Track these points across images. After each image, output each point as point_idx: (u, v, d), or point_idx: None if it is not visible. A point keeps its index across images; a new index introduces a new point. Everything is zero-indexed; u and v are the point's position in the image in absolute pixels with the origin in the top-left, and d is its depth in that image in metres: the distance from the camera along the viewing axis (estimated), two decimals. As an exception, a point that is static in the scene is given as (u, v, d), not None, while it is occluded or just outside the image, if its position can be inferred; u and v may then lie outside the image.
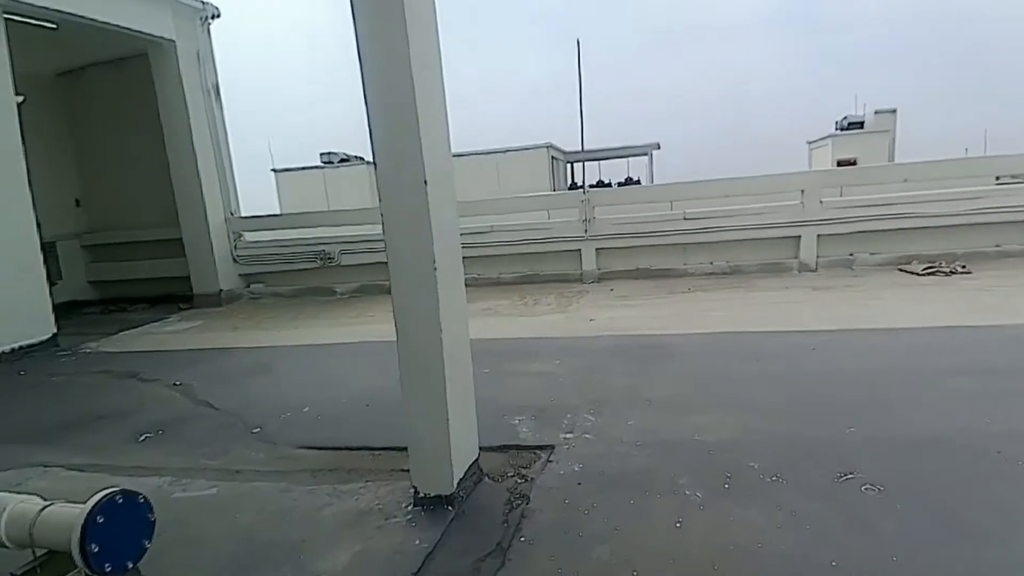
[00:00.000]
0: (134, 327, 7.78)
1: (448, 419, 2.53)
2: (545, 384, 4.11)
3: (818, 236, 7.52)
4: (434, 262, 2.41)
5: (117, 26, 7.69)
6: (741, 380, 3.91)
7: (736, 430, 3.14)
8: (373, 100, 2.41)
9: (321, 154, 31.55)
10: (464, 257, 7.66)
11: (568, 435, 3.23)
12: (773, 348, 4.56)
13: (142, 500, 2.16)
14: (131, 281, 10.07)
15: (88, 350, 6.64)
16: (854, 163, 21.31)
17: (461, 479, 2.64)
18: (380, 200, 2.48)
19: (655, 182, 25.49)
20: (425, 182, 2.36)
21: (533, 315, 6.40)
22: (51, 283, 9.38)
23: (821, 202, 7.52)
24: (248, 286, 9.30)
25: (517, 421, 3.48)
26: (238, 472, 3.21)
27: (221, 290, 8.97)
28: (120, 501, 2.09)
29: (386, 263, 7.71)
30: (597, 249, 8.02)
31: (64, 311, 9.56)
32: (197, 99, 8.81)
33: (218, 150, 9.11)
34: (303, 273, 8.97)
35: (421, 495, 2.60)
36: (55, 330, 6.80)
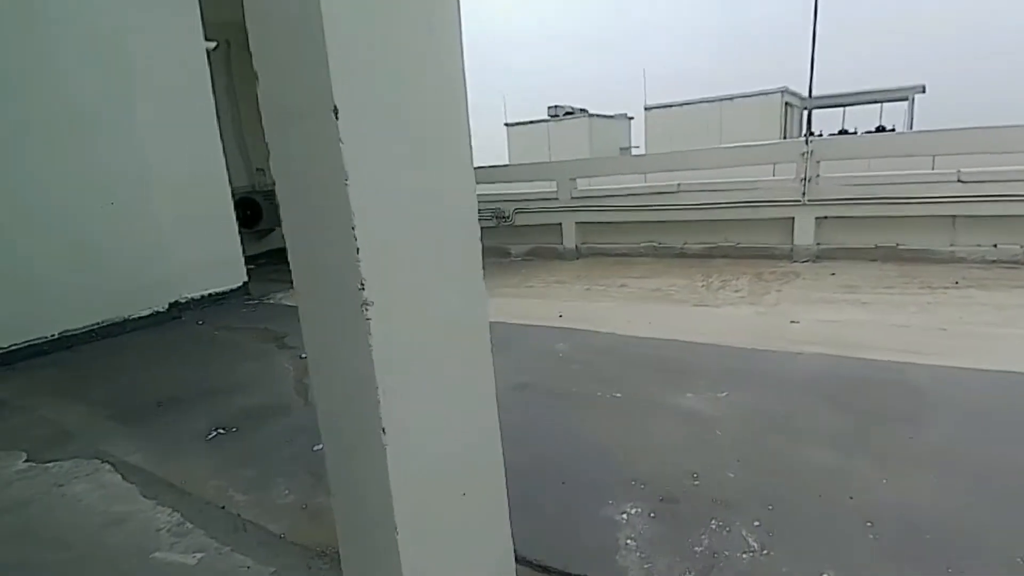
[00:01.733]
0: (325, 277, 7.59)
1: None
2: (695, 439, 2.55)
3: None
4: (361, 284, 1.07)
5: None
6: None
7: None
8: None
9: (548, 107, 31.18)
10: (642, 222, 6.12)
11: (701, 582, 1.71)
12: None
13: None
14: (342, 230, 10.15)
15: (272, 301, 6.47)
16: None
17: None
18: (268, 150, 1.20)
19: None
20: (335, 111, 1.01)
21: (714, 304, 4.66)
22: (271, 229, 9.91)
23: None
24: (432, 241, 8.71)
25: (623, 518, 2.03)
26: (244, 528, 2.28)
27: (406, 245, 8.48)
28: None
29: (557, 225, 6.27)
30: (818, 218, 5.83)
31: (280, 256, 9.97)
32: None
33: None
34: (482, 231, 8.05)
35: None
36: (246, 279, 6.73)
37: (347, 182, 1.02)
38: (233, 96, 9.46)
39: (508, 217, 7.66)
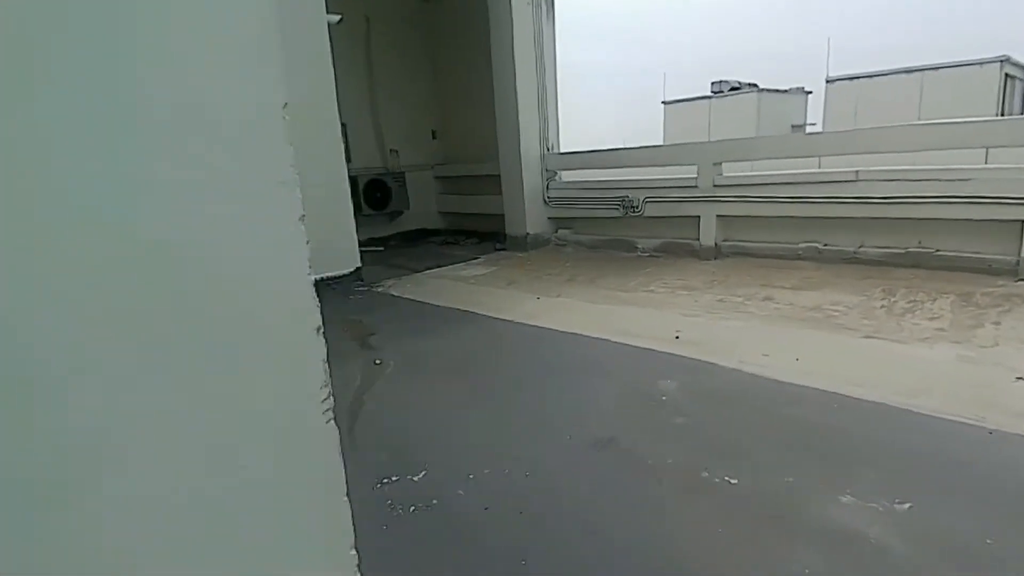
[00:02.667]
0: (442, 265, 7.20)
1: None
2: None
3: None
4: None
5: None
6: None
7: None
8: None
9: (712, 83, 29.09)
10: (803, 217, 4.79)
11: None
12: None
13: None
14: (470, 215, 9.75)
15: (380, 289, 6.19)
16: None
17: None
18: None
19: None
20: None
21: (896, 337, 3.39)
22: (400, 212, 9.76)
23: None
24: (556, 231, 7.96)
25: None
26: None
27: (528, 233, 7.82)
28: None
29: (695, 217, 5.26)
30: (1064, 222, 4.18)
31: (410, 239, 9.81)
32: (523, 10, 7.41)
33: (541, 71, 7.66)
34: (607, 222, 7.16)
35: None
36: (359, 264, 6.49)
37: None
38: (370, 74, 9.35)
39: (637, 207, 6.67)
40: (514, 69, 7.39)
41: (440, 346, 4.11)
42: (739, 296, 4.46)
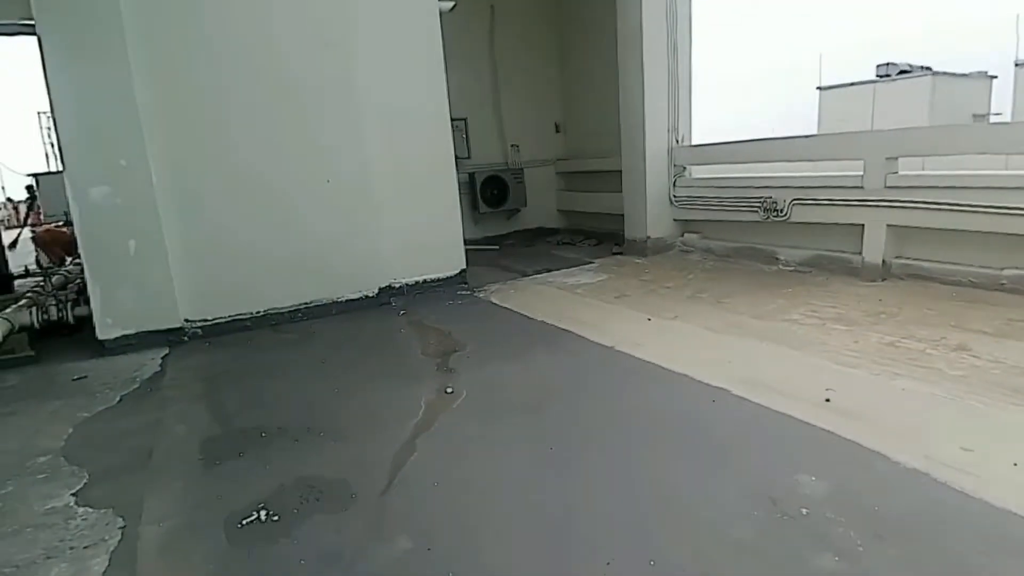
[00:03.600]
0: (552, 269, 6.50)
1: None
2: None
3: None
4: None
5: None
6: None
7: None
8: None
9: (877, 66, 25.83)
10: (1008, 235, 3.48)
11: None
12: None
13: None
14: (590, 214, 8.92)
15: (482, 294, 5.65)
16: None
17: None
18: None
19: None
20: None
21: None
22: (516, 210, 9.14)
23: None
24: (682, 235, 6.89)
25: None
26: None
27: (648, 237, 6.84)
28: None
29: (857, 226, 4.06)
30: None
31: (527, 238, 9.16)
32: (656, -12, 6.42)
33: (673, 54, 6.60)
34: (743, 226, 5.99)
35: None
36: (464, 266, 5.97)
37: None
38: (493, 67, 8.81)
39: (782, 210, 5.44)
40: (641, 51, 6.42)
41: (519, 376, 3.41)
42: (919, 340, 3.24)
